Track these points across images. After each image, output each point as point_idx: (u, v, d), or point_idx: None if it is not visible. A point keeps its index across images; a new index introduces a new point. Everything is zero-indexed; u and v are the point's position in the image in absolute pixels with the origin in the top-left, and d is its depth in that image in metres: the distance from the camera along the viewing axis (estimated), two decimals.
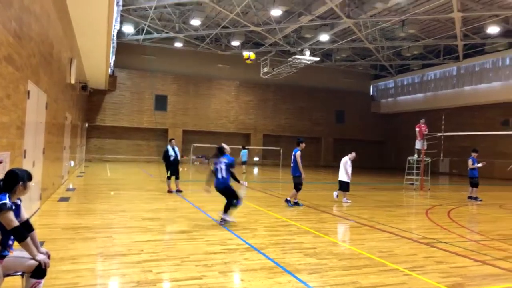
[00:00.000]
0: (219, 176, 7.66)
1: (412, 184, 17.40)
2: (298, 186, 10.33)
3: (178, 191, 12.01)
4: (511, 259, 5.88)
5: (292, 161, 10.51)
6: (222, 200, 7.79)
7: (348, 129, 36.04)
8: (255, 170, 27.10)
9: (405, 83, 34.19)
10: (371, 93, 38.15)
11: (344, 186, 11.65)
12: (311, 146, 35.61)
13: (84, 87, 19.33)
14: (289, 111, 34.64)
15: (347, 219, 8.91)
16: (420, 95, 32.27)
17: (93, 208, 9.02)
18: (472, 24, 22.85)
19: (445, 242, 6.84)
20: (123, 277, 4.46)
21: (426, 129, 17.31)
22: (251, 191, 13.86)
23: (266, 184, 17.04)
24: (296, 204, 10.37)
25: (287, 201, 10.49)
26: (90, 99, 28.09)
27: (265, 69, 27.60)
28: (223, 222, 7.54)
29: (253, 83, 33.15)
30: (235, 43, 28.64)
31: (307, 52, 23.47)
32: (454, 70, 29.09)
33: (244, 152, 22.91)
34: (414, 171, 17.54)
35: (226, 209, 7.61)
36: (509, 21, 21.84)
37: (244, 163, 22.70)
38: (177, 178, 12.19)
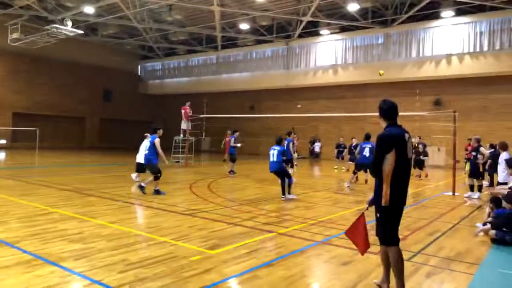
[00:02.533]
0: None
1: (178, 162, 18.61)
2: (157, 175, 9.65)
3: None
4: (255, 219, 7.23)
5: (147, 148, 9.72)
6: None
7: (116, 108, 34.83)
8: (0, 154, 22.88)
9: (172, 66, 35.61)
10: (139, 73, 37.97)
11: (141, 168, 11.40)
12: (75, 126, 32.75)
13: None
14: (48, 87, 30.50)
15: (115, 200, 8.79)
16: (185, 78, 34.32)
17: None
18: (228, 19, 25.84)
19: (205, 211, 7.74)
20: None
21: (191, 111, 18.74)
22: None
23: (18, 171, 14.71)
24: (158, 192, 9.64)
25: (156, 191, 9.65)
26: None
27: (14, 35, 23.37)
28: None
29: None
30: None
31: (69, 23, 21.22)
32: (214, 59, 32.26)
33: None
34: (180, 149, 18.80)
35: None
36: (256, 20, 25.82)
37: None
38: None
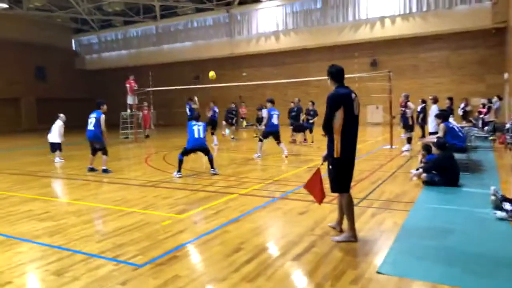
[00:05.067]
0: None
1: (127, 137, 18.38)
2: (106, 151, 9.44)
3: None
4: (216, 184, 7.67)
5: (93, 125, 9.30)
6: None
7: (51, 87, 32.85)
8: None
9: (109, 39, 33.94)
10: (74, 48, 35.84)
11: (57, 147, 11.75)
12: (9, 108, 30.63)
13: None
14: None
15: (72, 179, 8.79)
16: (124, 51, 32.96)
17: None
18: None
19: (166, 182, 8.04)
20: None
21: (136, 85, 18.37)
22: None
23: None
24: (106, 171, 9.37)
25: (104, 170, 9.33)
26: None
27: None
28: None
29: None
30: None
31: None
32: (153, 29, 31.20)
33: None
34: (128, 125, 18.53)
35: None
36: None
37: None
38: None
